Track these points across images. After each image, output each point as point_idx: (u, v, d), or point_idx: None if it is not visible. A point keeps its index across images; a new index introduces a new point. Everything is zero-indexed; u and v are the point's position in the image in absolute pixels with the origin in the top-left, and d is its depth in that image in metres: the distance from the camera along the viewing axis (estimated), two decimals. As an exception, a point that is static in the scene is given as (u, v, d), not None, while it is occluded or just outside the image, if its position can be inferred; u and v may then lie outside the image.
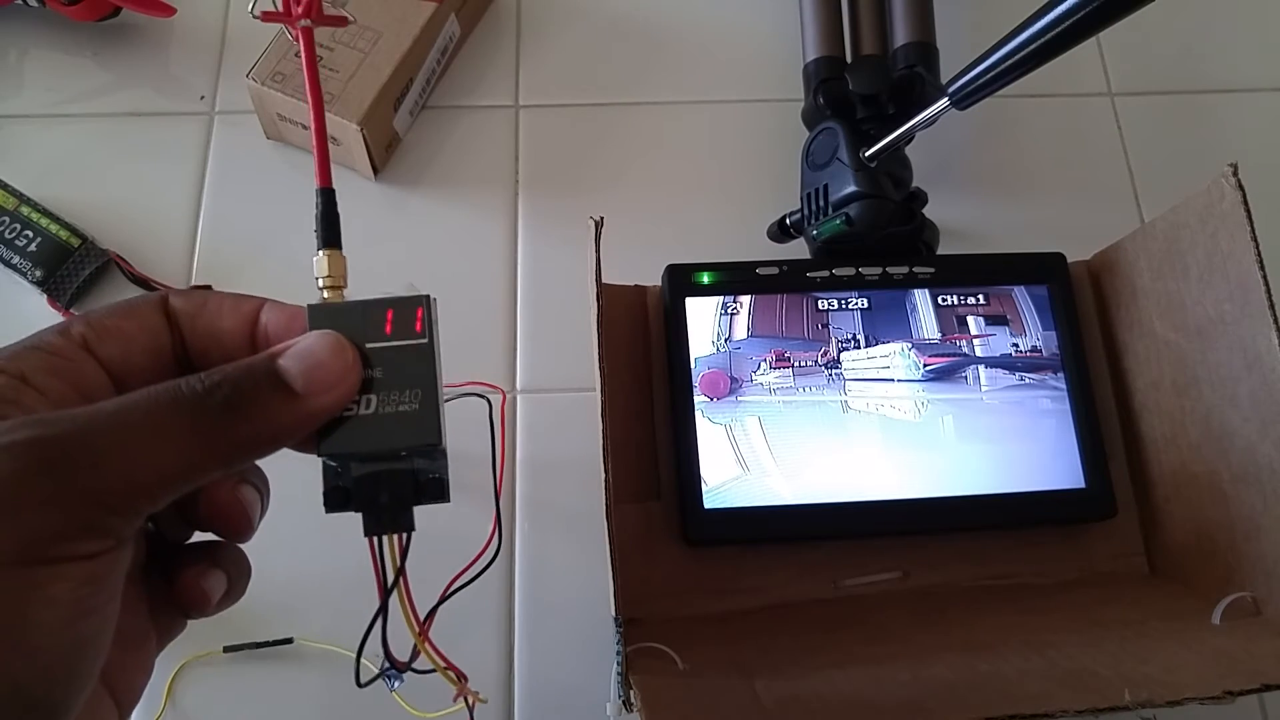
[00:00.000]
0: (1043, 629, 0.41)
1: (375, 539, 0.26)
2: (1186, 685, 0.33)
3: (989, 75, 0.40)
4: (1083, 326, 0.48)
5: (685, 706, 0.36)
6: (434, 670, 0.28)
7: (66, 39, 0.59)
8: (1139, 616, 0.42)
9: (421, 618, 0.27)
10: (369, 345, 0.25)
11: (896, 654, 0.40)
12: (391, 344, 0.25)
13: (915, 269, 0.48)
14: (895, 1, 0.54)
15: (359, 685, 0.28)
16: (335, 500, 0.25)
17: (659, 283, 0.49)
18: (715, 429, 0.45)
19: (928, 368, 0.47)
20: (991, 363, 0.47)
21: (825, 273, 0.48)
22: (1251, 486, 0.41)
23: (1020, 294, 0.48)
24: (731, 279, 0.48)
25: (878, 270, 0.48)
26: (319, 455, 0.25)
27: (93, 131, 0.58)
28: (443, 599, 0.27)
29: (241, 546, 0.27)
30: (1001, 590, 0.46)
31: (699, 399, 0.46)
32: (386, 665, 0.27)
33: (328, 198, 0.27)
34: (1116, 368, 0.49)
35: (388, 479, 0.25)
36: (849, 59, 0.54)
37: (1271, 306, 0.39)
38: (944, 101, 0.43)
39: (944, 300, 0.48)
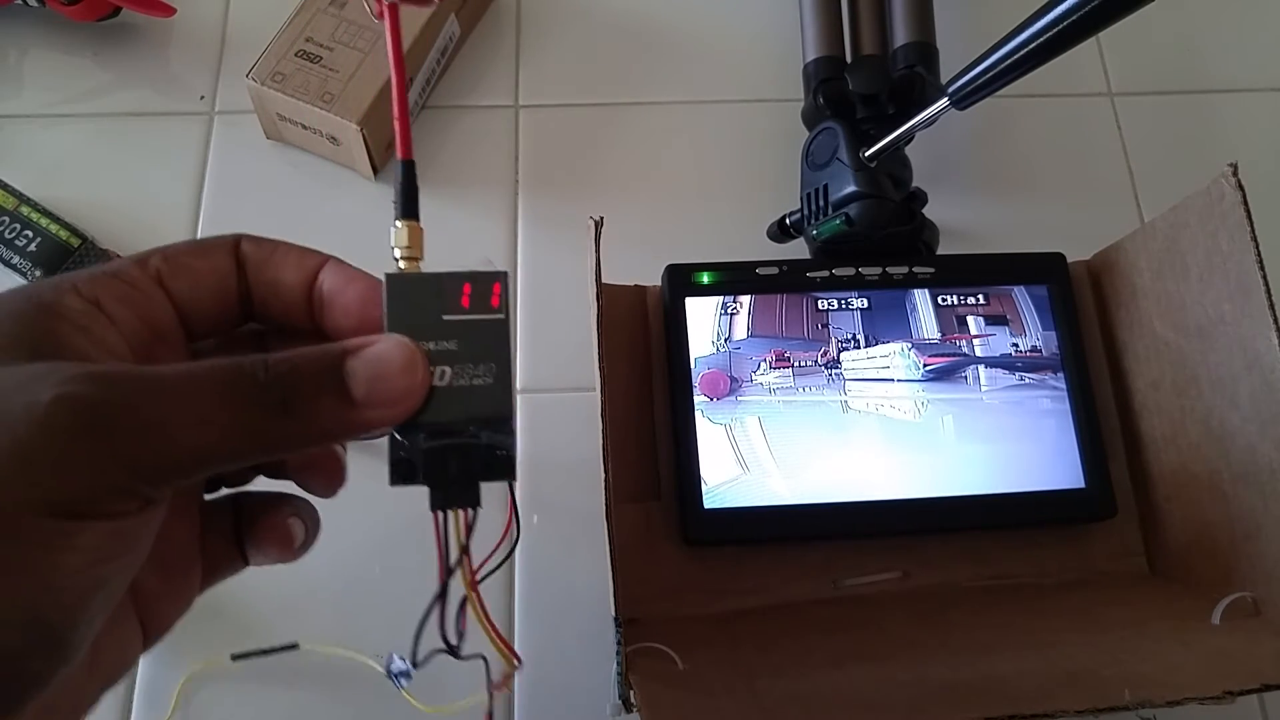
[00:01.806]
0: (1043, 629, 0.41)
1: (440, 515, 0.25)
2: (1186, 685, 0.33)
3: (989, 75, 0.40)
4: (1083, 326, 0.48)
5: (685, 707, 0.36)
6: (472, 657, 0.27)
7: (66, 39, 0.59)
8: (1139, 616, 0.42)
9: (481, 600, 0.26)
10: (445, 317, 0.25)
11: (896, 654, 0.40)
12: (468, 317, 0.25)
13: (915, 269, 0.48)
14: (895, 1, 0.54)
15: (414, 665, 0.27)
16: (402, 472, 0.25)
17: (659, 283, 0.49)
18: (715, 429, 0.45)
19: (928, 368, 0.47)
20: (991, 363, 0.47)
21: (825, 273, 0.48)
22: (1251, 486, 0.41)
23: (1020, 294, 0.48)
24: (731, 279, 0.48)
25: (878, 270, 0.48)
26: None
27: (93, 131, 0.58)
28: (477, 583, 0.26)
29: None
30: (1001, 590, 0.46)
31: (699, 399, 0.46)
32: (401, 667, 0.27)
33: (408, 169, 0.27)
34: (1116, 368, 0.49)
35: (457, 453, 0.25)
36: (849, 59, 0.54)
37: (1271, 306, 0.39)
38: (944, 101, 0.43)
39: (944, 300, 0.48)
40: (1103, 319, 0.50)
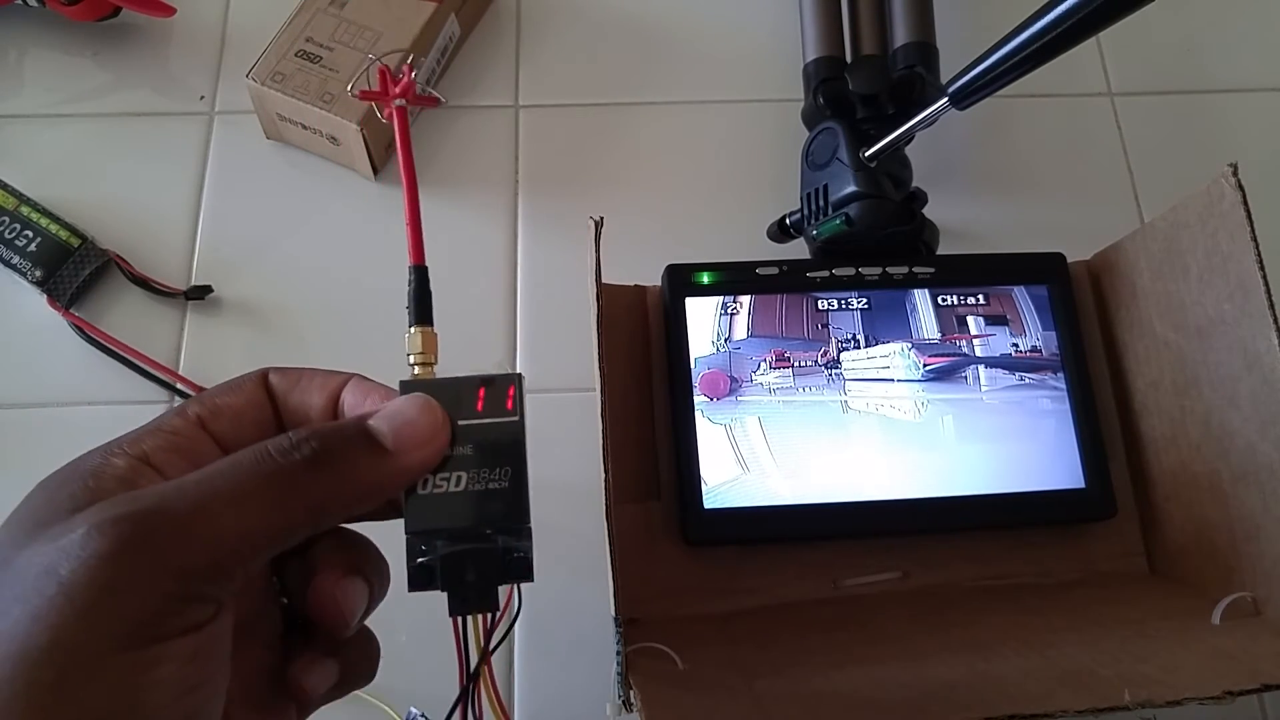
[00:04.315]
0: (1043, 629, 0.41)
1: (459, 619, 0.26)
2: (1186, 685, 0.33)
3: (989, 75, 0.40)
4: (1083, 326, 0.48)
5: (685, 707, 0.36)
6: None
7: (66, 39, 0.59)
8: (1139, 616, 0.42)
9: (503, 699, 0.27)
10: (461, 422, 0.25)
11: (896, 654, 0.40)
12: (483, 421, 0.25)
13: (915, 269, 0.48)
14: (895, 1, 0.54)
15: None
16: (420, 579, 0.25)
17: (659, 283, 0.49)
18: (715, 429, 0.45)
19: (928, 368, 0.47)
20: (991, 363, 0.47)
21: (825, 273, 0.48)
22: (1251, 486, 0.41)
23: (1020, 294, 0.48)
24: (731, 279, 0.48)
25: (877, 270, 0.48)
26: (406, 532, 0.25)
27: (93, 131, 0.58)
28: (488, 653, 0.26)
29: (368, 628, 0.27)
30: (1001, 590, 0.46)
31: (699, 399, 0.46)
32: None
33: (421, 275, 0.27)
34: (1116, 368, 0.49)
35: (474, 558, 0.25)
36: (849, 59, 0.54)
37: (1271, 306, 0.39)
38: (944, 101, 0.43)
39: (944, 300, 0.48)
40: (1103, 319, 0.50)
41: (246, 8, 0.61)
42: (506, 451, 0.25)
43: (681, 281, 0.48)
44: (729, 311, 0.47)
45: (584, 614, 0.47)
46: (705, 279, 0.48)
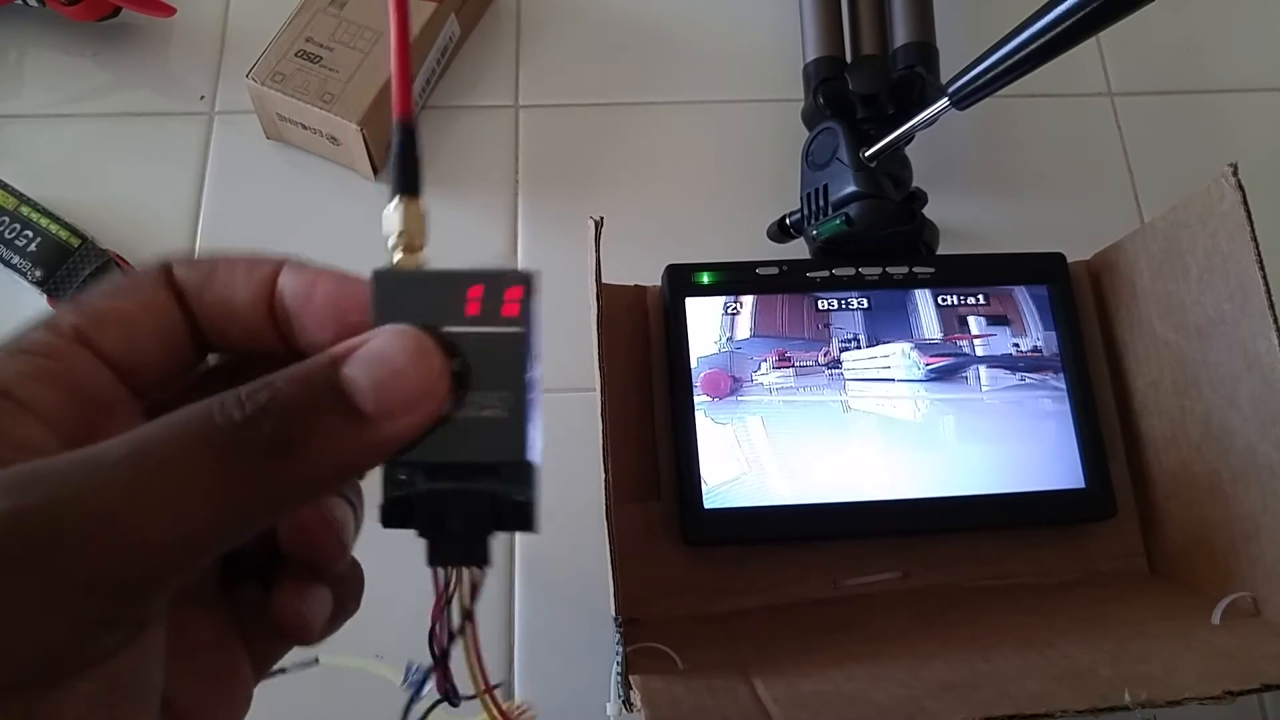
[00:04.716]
0: (1043, 629, 0.41)
1: (440, 570, 0.20)
2: (1186, 686, 0.33)
3: (989, 75, 0.40)
4: (1083, 326, 0.48)
5: (685, 707, 0.36)
6: (470, 697, 0.22)
7: (66, 39, 0.59)
8: (1139, 616, 0.42)
9: (486, 667, 0.21)
10: (447, 329, 0.19)
11: (897, 654, 0.40)
12: (477, 329, 0.20)
13: (915, 269, 0.48)
14: (895, 1, 0.54)
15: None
16: (396, 513, 0.20)
17: (659, 283, 0.49)
18: (716, 429, 0.45)
19: (928, 368, 0.47)
20: (992, 363, 0.47)
21: (825, 273, 0.48)
22: (1251, 486, 0.41)
23: (1020, 294, 0.48)
24: (731, 279, 0.48)
25: (878, 270, 0.48)
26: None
27: (93, 131, 0.58)
28: (471, 616, 0.21)
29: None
30: (1001, 590, 0.46)
31: (700, 399, 0.46)
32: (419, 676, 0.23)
33: (407, 133, 0.20)
34: (1116, 368, 0.49)
35: (460, 500, 0.20)
36: (849, 59, 0.54)
37: (1271, 306, 0.39)
38: (944, 101, 0.43)
39: (944, 300, 0.48)
40: (1103, 319, 0.50)
41: (246, 8, 0.61)
42: (505, 372, 0.20)
43: (682, 281, 0.48)
44: (730, 311, 0.47)
45: (584, 614, 0.47)
46: (705, 279, 0.48)
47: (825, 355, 0.47)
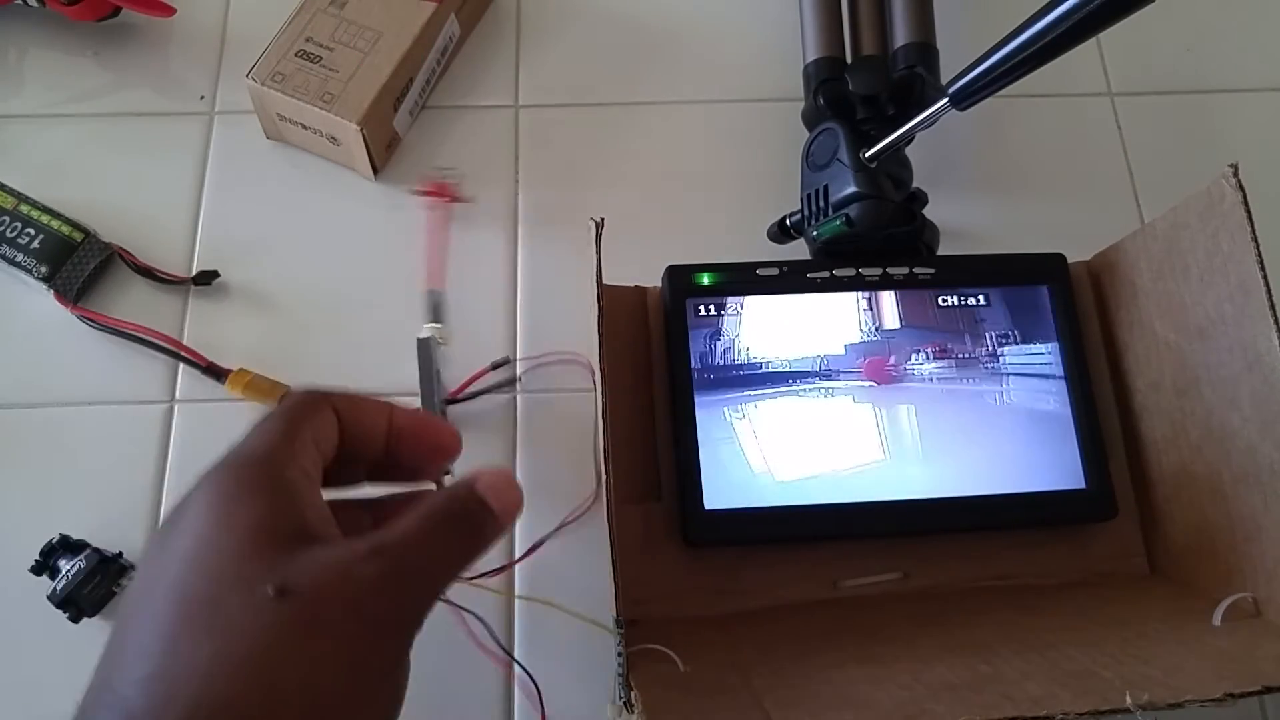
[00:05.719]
0: (1043, 630, 0.41)
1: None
2: (1187, 687, 0.33)
3: (989, 76, 0.40)
4: (1083, 327, 0.48)
5: (686, 708, 0.36)
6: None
7: (66, 39, 0.59)
8: (1139, 617, 0.42)
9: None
10: None
11: (897, 654, 0.40)
12: None
13: (916, 270, 0.48)
14: (895, 2, 0.54)
15: None
16: None
17: (659, 283, 0.49)
18: (716, 428, 0.45)
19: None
20: (992, 363, 0.47)
21: (825, 273, 0.48)
22: (1252, 487, 0.41)
23: (1020, 295, 0.48)
24: (732, 280, 0.48)
25: (878, 271, 0.48)
26: None
27: (93, 131, 0.58)
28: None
29: None
30: (1001, 591, 0.46)
31: (700, 398, 0.46)
32: None
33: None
34: (1116, 368, 0.49)
35: None
36: (849, 59, 0.54)
37: (1272, 306, 0.39)
38: (944, 102, 0.43)
39: (944, 301, 0.48)
40: (1103, 319, 0.50)
41: (246, 8, 0.61)
42: None
43: (682, 282, 0.48)
44: (733, 312, 0.47)
45: (584, 615, 0.47)
46: (706, 280, 0.48)
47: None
